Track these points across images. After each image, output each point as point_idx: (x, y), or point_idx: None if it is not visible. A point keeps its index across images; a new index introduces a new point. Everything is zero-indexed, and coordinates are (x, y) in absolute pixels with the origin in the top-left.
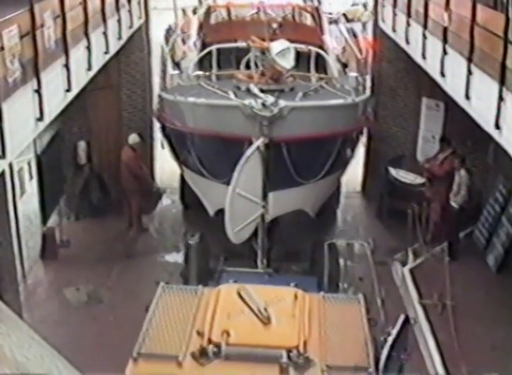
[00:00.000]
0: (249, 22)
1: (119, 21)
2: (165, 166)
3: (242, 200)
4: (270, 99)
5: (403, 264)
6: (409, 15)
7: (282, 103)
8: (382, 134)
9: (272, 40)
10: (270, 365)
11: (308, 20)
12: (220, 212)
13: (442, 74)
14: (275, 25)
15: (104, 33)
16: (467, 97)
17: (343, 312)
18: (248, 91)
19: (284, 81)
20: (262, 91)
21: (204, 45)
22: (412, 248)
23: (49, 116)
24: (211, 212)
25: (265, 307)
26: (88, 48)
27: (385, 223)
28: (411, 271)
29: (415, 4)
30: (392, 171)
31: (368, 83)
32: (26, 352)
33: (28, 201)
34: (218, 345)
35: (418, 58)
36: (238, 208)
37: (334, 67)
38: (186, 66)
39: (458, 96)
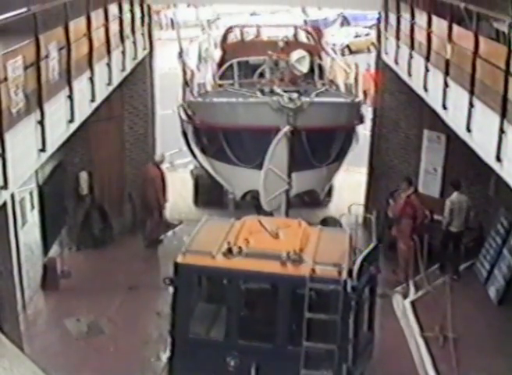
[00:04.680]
0: (260, 41)
1: (123, 52)
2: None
3: (273, 175)
4: (294, 95)
5: (405, 296)
6: (412, 47)
7: (304, 98)
8: (383, 166)
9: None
10: (274, 260)
11: (309, 39)
12: (246, 195)
13: (444, 107)
14: (281, 43)
15: (108, 65)
16: (469, 129)
17: (334, 238)
18: (271, 92)
19: (299, 84)
20: (284, 91)
21: (222, 61)
22: (413, 280)
23: (52, 147)
24: (239, 194)
25: (276, 228)
26: (91, 79)
27: (386, 255)
28: (412, 303)
29: (418, 36)
30: (393, 203)
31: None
32: None
33: (29, 232)
34: (240, 247)
35: (420, 91)
36: (270, 181)
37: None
38: (200, 82)
39: (459, 128)
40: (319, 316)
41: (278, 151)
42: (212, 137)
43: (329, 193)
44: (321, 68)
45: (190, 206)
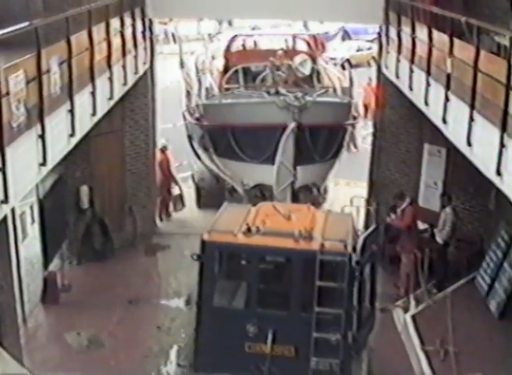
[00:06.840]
0: (260, 50)
1: (124, 66)
2: None
3: (283, 168)
4: (299, 94)
5: (405, 310)
6: (412, 61)
7: (308, 97)
8: (384, 180)
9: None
10: (288, 238)
11: (306, 47)
12: (255, 187)
13: (444, 121)
14: (280, 52)
15: (110, 79)
16: (469, 143)
17: (338, 220)
18: (276, 93)
19: (302, 86)
20: (288, 92)
21: (225, 69)
22: (414, 294)
23: (52, 161)
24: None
25: (288, 212)
26: (93, 93)
27: (387, 269)
28: (413, 317)
29: (419, 50)
30: (394, 217)
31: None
32: None
33: (30, 245)
34: (258, 227)
35: (421, 105)
36: (280, 174)
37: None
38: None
39: (460, 142)
40: (328, 284)
41: (286, 146)
42: (221, 137)
43: (324, 192)
44: (319, 73)
45: (193, 215)
